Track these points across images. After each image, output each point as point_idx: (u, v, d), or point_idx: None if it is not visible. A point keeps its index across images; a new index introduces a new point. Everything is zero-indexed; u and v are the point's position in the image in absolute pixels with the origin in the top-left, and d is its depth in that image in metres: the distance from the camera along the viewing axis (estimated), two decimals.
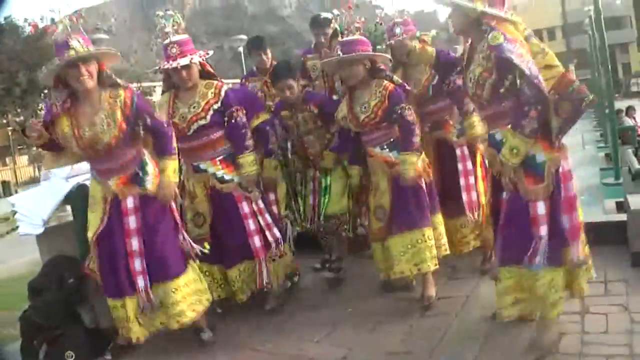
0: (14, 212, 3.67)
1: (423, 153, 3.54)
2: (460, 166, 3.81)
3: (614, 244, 3.72)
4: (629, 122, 12.76)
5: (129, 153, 3.13)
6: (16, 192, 19.12)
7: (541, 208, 2.60)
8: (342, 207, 3.98)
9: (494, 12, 2.63)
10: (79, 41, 2.92)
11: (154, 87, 25.47)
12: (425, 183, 3.49)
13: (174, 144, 3.27)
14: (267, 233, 3.62)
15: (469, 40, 2.87)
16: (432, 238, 3.45)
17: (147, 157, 3.23)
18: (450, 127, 3.84)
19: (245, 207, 3.57)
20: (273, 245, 3.63)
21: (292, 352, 3.17)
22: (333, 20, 3.98)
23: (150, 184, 3.16)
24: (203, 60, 3.50)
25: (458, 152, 3.81)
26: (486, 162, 3.35)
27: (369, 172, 3.67)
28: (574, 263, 2.67)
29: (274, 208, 3.89)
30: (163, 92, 3.69)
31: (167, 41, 3.39)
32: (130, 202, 3.11)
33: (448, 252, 3.65)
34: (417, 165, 3.41)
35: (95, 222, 3.14)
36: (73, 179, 3.66)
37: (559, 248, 2.65)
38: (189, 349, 3.32)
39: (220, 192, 3.56)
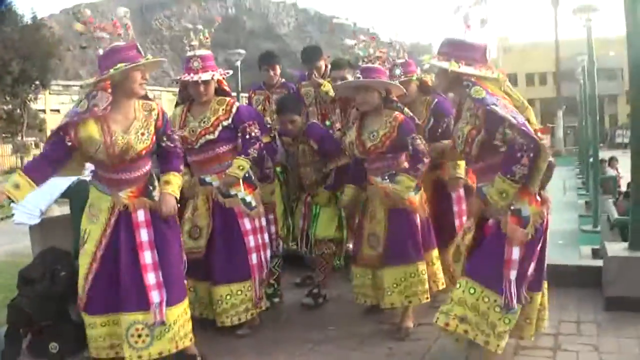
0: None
1: (422, 189, 3.63)
2: (455, 208, 3.94)
3: (589, 287, 3.89)
4: (611, 172, 13.09)
5: (147, 166, 3.10)
6: None
7: (515, 253, 2.70)
8: (331, 232, 4.06)
9: (469, 71, 2.75)
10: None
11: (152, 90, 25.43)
12: (421, 219, 3.56)
13: (182, 163, 3.28)
14: (262, 254, 3.66)
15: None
16: (426, 272, 3.52)
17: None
18: (447, 168, 3.88)
19: (246, 224, 3.59)
20: (265, 268, 3.66)
21: None
22: (355, 46, 4.04)
23: (157, 197, 3.10)
24: (223, 78, 3.59)
25: (454, 195, 3.93)
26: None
27: (362, 198, 3.72)
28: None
29: (272, 227, 3.97)
30: (177, 104, 3.77)
31: (190, 53, 3.47)
32: (141, 215, 2.99)
33: (445, 286, 3.71)
34: (413, 195, 3.49)
35: (96, 234, 3.00)
36: None
37: (523, 288, 2.75)
38: None
39: (223, 206, 3.56)
